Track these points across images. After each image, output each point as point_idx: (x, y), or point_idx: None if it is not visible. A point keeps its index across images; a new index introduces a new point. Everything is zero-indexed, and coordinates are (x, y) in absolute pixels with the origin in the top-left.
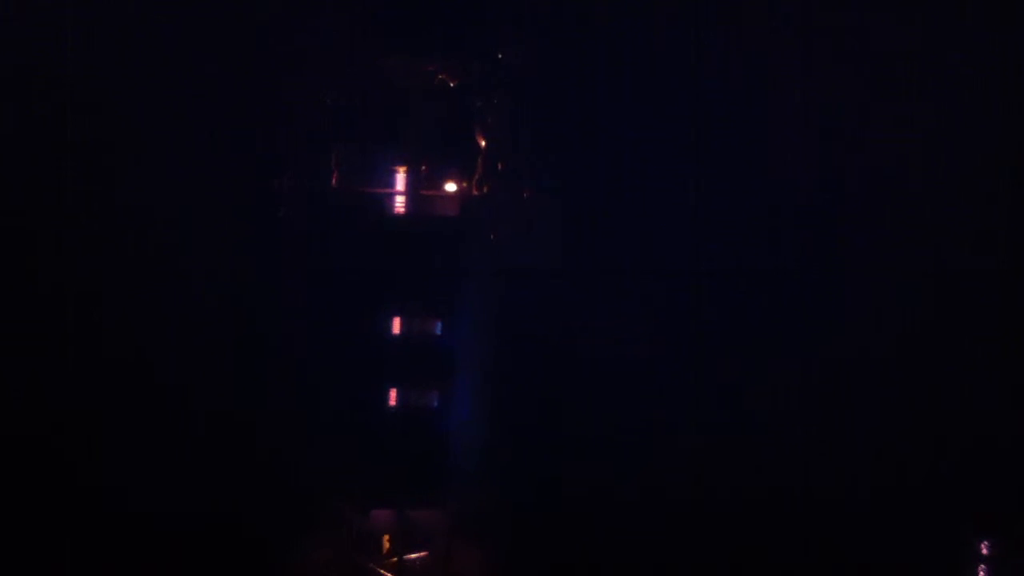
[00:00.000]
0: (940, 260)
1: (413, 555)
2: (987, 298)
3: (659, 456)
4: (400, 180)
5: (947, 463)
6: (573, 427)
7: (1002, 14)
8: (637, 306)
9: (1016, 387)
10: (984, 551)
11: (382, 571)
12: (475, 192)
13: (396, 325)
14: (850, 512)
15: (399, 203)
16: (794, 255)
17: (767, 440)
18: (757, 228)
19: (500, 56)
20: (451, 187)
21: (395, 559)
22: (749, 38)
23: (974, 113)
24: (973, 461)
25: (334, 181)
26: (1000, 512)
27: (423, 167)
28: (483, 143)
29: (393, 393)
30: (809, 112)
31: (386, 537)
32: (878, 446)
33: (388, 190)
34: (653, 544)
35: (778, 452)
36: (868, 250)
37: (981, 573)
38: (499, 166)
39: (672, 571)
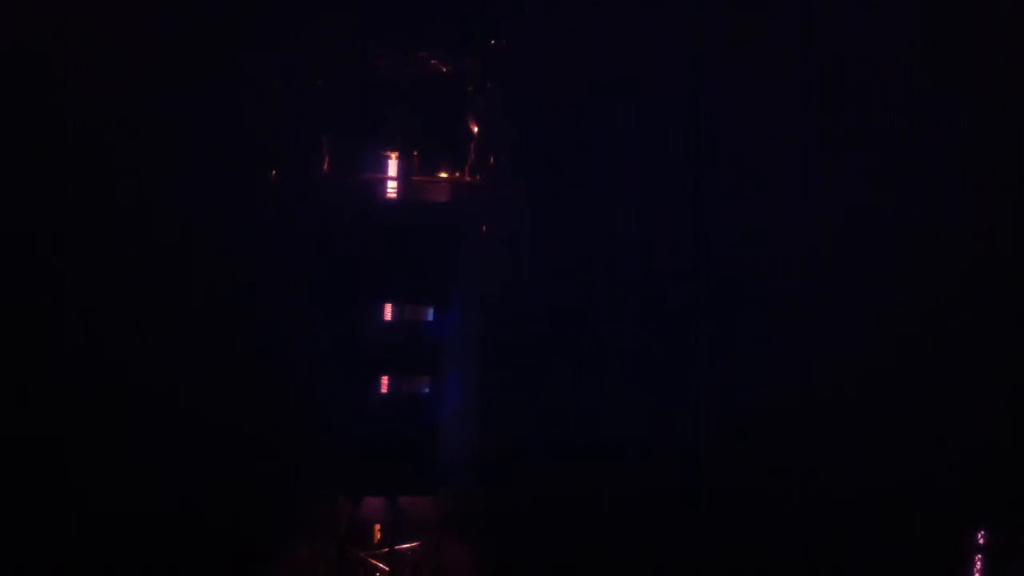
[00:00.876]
0: (940, 260)
1: (405, 545)
2: (987, 298)
3: (659, 456)
4: (392, 167)
5: (947, 462)
6: (569, 420)
7: (1003, 18)
8: (636, 303)
9: (1016, 387)
10: (981, 541)
11: (374, 561)
12: (467, 180)
13: (387, 314)
14: (850, 511)
15: (391, 190)
16: (794, 255)
17: (767, 440)
18: (757, 228)
19: (494, 43)
20: (443, 175)
21: (387, 549)
22: (750, 36)
23: (974, 114)
24: (972, 460)
25: (326, 168)
26: (999, 510)
27: (415, 153)
28: (476, 130)
29: (384, 382)
30: (809, 112)
31: (377, 527)
32: (878, 445)
33: (380, 176)
34: (651, 541)
35: (778, 452)
36: (868, 251)
37: (979, 570)
38: (491, 157)
39: (672, 571)
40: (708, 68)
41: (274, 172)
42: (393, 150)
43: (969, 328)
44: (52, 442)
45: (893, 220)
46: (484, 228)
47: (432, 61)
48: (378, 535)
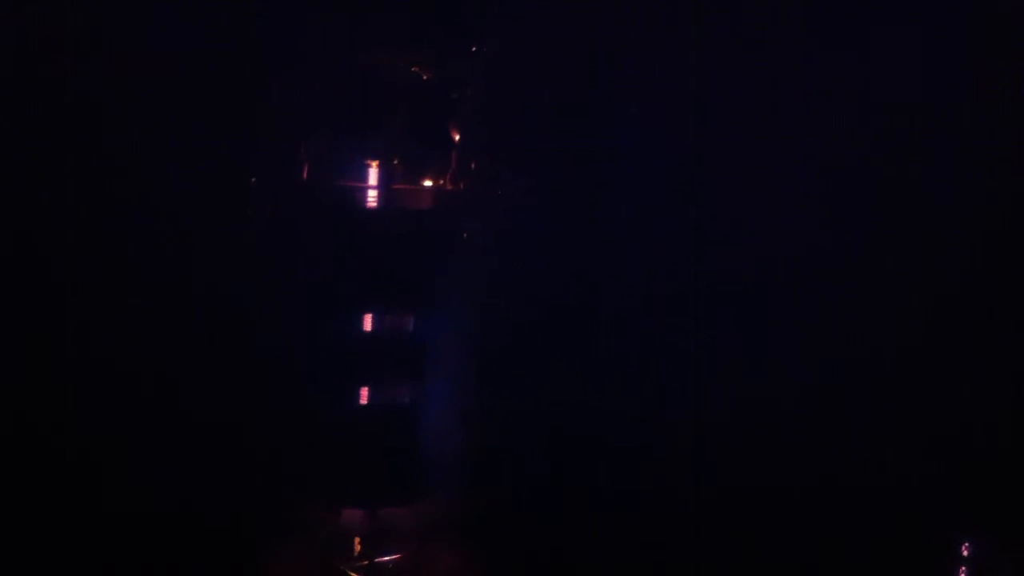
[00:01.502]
0: (939, 260)
1: (385, 558)
2: (986, 298)
3: (659, 456)
4: (373, 174)
5: (946, 463)
6: (566, 425)
7: (1001, 17)
8: (634, 304)
9: (1014, 387)
10: (966, 552)
11: (353, 574)
12: (449, 188)
13: (368, 322)
14: (849, 511)
15: (371, 198)
16: (794, 256)
17: (767, 440)
18: (757, 229)
19: (475, 49)
20: (425, 182)
21: (367, 562)
22: (751, 34)
23: (974, 114)
24: (971, 461)
25: (305, 175)
26: (998, 511)
27: (396, 161)
28: (458, 137)
29: (365, 391)
30: (810, 112)
31: (357, 540)
32: (877, 446)
33: (360, 184)
34: (650, 541)
35: (778, 451)
36: (867, 251)
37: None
38: (472, 163)
39: (672, 571)
40: (708, 68)
41: (254, 178)
42: (375, 158)
43: (970, 329)
44: (46, 442)
45: (893, 220)
46: (465, 235)
47: (414, 68)
48: (358, 547)
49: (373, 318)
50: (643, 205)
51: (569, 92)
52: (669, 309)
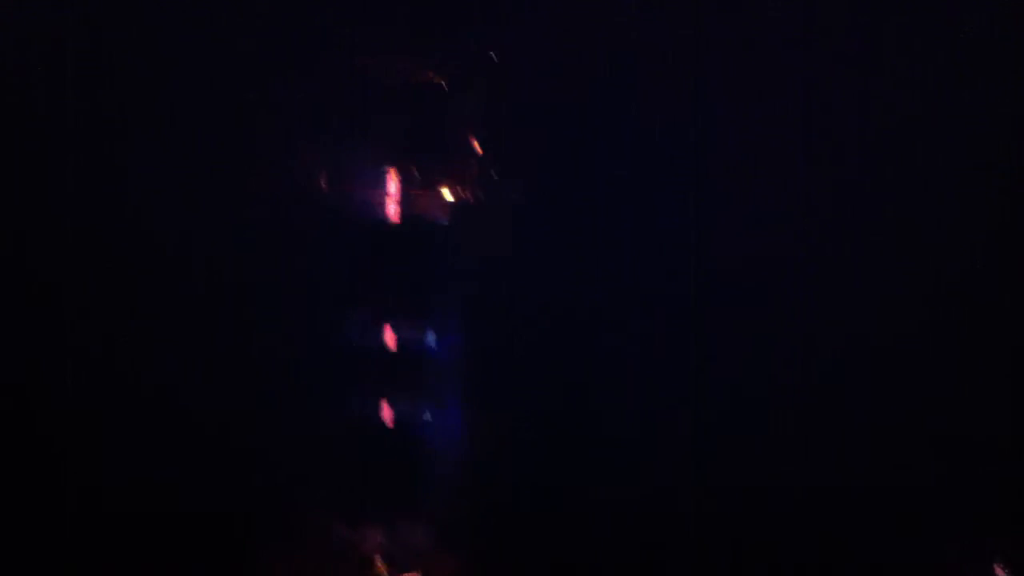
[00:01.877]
0: (939, 260)
1: (406, 574)
2: (987, 298)
3: (659, 456)
4: (388, 181)
5: (947, 463)
6: (571, 433)
7: (1003, 12)
8: (635, 304)
9: (1016, 387)
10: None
11: None
12: (464, 195)
13: (382, 333)
14: (851, 512)
15: (387, 205)
16: (795, 254)
17: (767, 439)
18: (757, 228)
19: (492, 55)
20: (440, 189)
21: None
22: (751, 34)
23: (975, 111)
24: (974, 461)
25: (320, 180)
26: (1001, 512)
27: (412, 168)
28: (474, 144)
29: (381, 403)
30: (810, 111)
31: (377, 555)
32: (879, 445)
33: (376, 191)
34: (653, 548)
35: (778, 451)
36: (868, 249)
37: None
38: (490, 170)
39: (672, 571)
40: (708, 68)
41: (255, 182)
42: (389, 164)
43: (972, 328)
44: (46, 442)
45: (893, 220)
46: (469, 239)
47: (428, 72)
48: (377, 564)
49: (377, 324)
50: (643, 205)
51: (569, 92)
52: (669, 309)
